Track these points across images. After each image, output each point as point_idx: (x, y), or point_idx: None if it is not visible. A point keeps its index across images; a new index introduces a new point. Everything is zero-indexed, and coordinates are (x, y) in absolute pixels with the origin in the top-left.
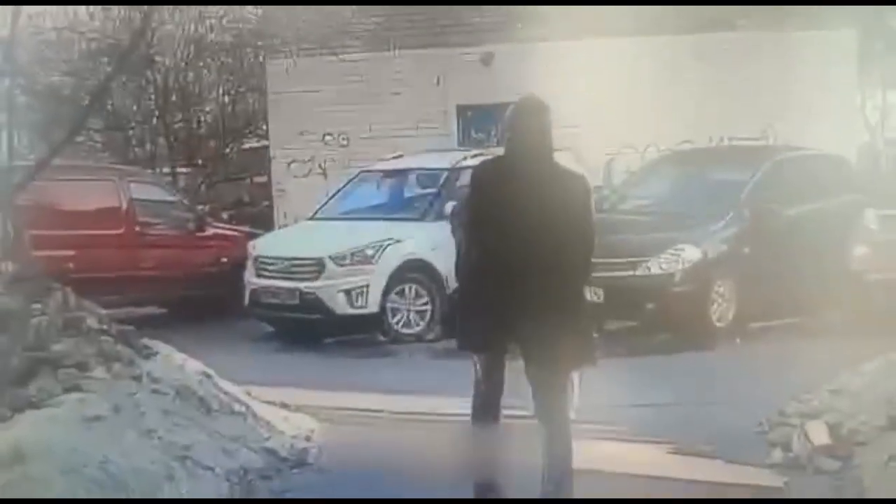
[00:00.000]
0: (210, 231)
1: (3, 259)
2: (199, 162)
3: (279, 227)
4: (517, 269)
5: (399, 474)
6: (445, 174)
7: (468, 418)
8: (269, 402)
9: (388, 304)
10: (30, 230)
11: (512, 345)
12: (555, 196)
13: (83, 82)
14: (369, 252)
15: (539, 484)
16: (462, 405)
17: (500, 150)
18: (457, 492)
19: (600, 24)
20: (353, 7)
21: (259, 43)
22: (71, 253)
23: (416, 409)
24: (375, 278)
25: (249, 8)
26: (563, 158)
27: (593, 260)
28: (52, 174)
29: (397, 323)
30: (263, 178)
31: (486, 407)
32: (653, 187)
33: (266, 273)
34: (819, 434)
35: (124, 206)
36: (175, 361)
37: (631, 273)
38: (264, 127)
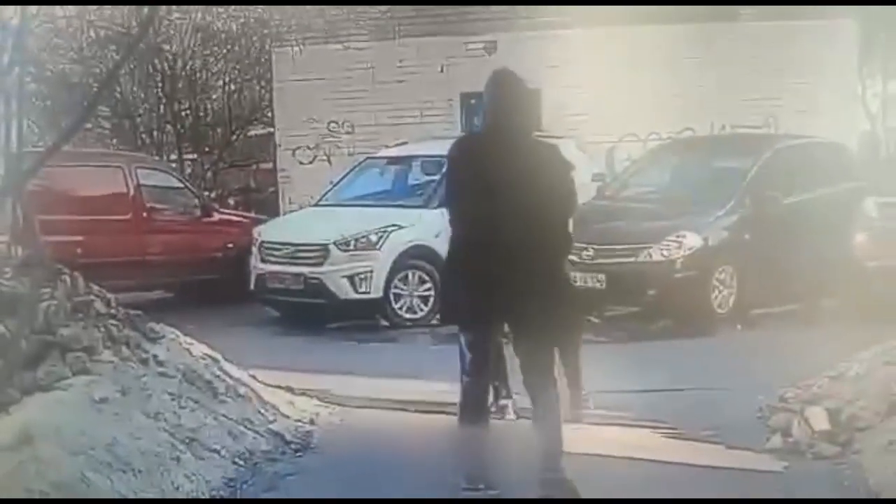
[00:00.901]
0: (216, 217)
1: (12, 244)
2: (206, 149)
3: (284, 214)
4: (496, 243)
5: (400, 458)
6: None
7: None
8: (273, 386)
9: (392, 290)
10: (39, 215)
11: (498, 320)
12: (529, 168)
13: (92, 70)
14: (373, 238)
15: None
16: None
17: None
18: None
19: (603, 14)
20: None
21: (265, 31)
22: (79, 238)
23: (418, 393)
24: (379, 264)
25: None
26: (565, 146)
27: (596, 246)
28: (61, 160)
29: (400, 308)
30: (269, 165)
31: (474, 390)
32: (655, 175)
33: (271, 258)
34: (819, 420)
35: (132, 192)
36: (181, 345)
37: (633, 259)
38: (270, 114)
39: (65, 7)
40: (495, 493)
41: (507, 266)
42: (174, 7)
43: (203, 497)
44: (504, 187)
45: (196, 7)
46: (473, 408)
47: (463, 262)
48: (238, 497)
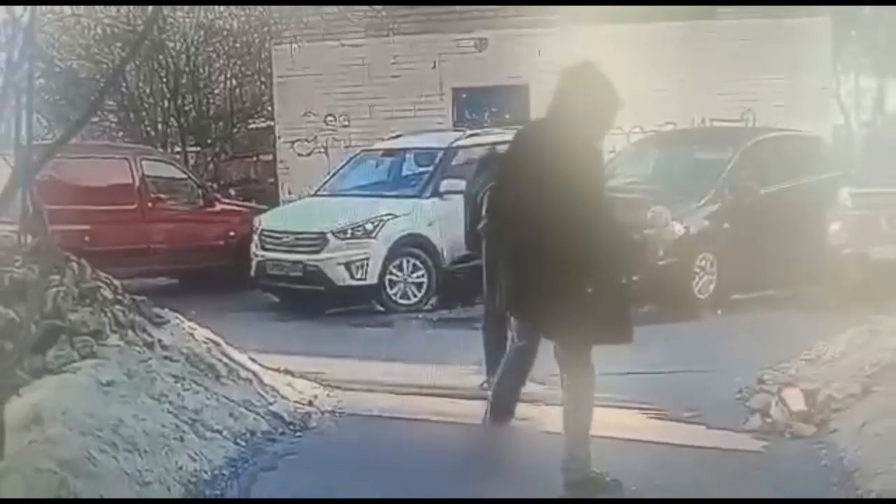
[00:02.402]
0: (218, 206)
1: (22, 232)
2: (209, 141)
3: (284, 203)
4: (555, 233)
5: (395, 439)
6: (441, 153)
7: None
8: (273, 369)
9: (387, 277)
10: (48, 205)
11: (549, 311)
12: (580, 169)
13: (99, 66)
14: (369, 227)
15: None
16: (456, 372)
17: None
18: (455, 482)
19: (588, 13)
20: None
21: (265, 29)
22: (87, 227)
23: (413, 375)
24: (375, 252)
25: None
26: None
27: None
28: (69, 152)
29: (395, 294)
30: (269, 157)
31: (515, 368)
32: (638, 167)
33: (271, 246)
34: (796, 401)
35: (137, 182)
36: (185, 330)
37: None
38: (270, 108)
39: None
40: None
41: (560, 264)
42: (178, 6)
43: (206, 479)
44: (561, 184)
45: (199, 6)
46: (509, 391)
47: (517, 249)
48: (234, 486)
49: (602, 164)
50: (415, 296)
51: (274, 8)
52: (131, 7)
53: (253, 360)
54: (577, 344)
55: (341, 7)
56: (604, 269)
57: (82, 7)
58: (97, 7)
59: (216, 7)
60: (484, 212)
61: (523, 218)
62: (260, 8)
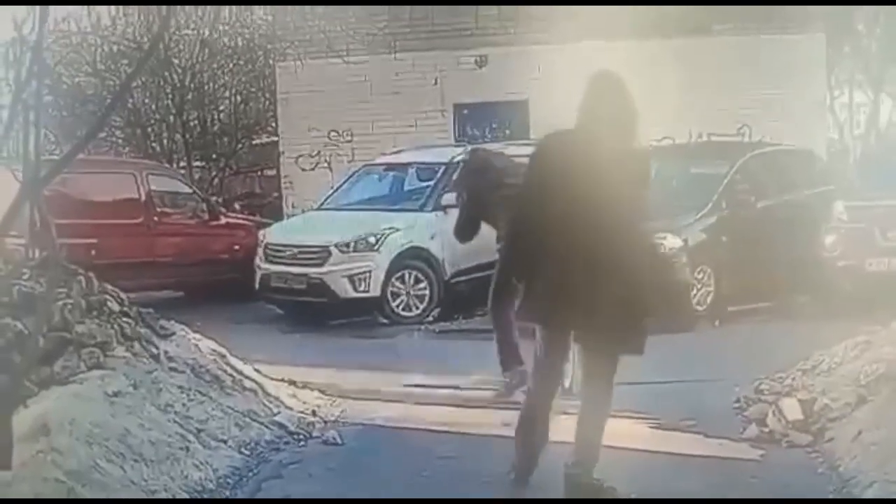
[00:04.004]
0: (223, 220)
1: (30, 246)
2: (214, 156)
3: (288, 217)
4: (584, 247)
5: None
6: (443, 168)
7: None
8: (277, 380)
9: (389, 289)
10: (55, 219)
11: (580, 324)
12: (621, 174)
13: (105, 82)
14: (372, 240)
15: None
16: (456, 382)
17: (493, 146)
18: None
19: (586, 30)
20: (357, 12)
21: (269, 46)
22: (94, 241)
23: (415, 385)
24: (377, 265)
25: (260, 13)
26: None
27: None
28: (76, 167)
29: (398, 306)
30: (273, 172)
31: (545, 387)
32: None
33: (275, 259)
34: (792, 410)
35: (143, 197)
36: (190, 341)
37: None
38: (274, 124)
39: (80, 23)
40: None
41: (594, 271)
42: (183, 23)
43: (211, 487)
44: (597, 192)
45: (204, 23)
46: (541, 407)
47: (548, 260)
48: (239, 495)
49: (648, 167)
50: (417, 308)
51: (278, 25)
52: (137, 25)
53: (257, 370)
54: (611, 353)
55: (344, 24)
56: (642, 276)
57: (89, 25)
58: (104, 25)
59: (221, 24)
60: (500, 220)
61: (559, 226)
62: (264, 25)
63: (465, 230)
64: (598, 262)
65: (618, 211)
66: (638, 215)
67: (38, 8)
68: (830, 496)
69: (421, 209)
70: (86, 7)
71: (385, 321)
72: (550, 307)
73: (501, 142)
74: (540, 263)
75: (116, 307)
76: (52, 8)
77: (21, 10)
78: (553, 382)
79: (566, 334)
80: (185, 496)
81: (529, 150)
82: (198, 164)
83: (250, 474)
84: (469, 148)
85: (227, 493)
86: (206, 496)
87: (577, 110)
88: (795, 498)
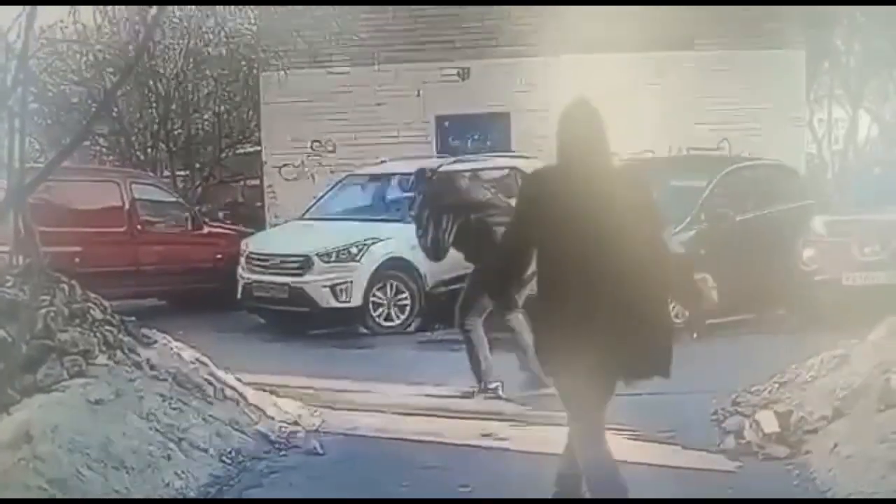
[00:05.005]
0: (206, 229)
1: (14, 253)
2: (197, 165)
3: (270, 227)
4: (589, 282)
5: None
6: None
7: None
8: (259, 389)
9: (371, 299)
10: (39, 227)
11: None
12: (617, 198)
13: (90, 91)
14: (353, 250)
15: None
16: (436, 391)
17: (474, 157)
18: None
19: (568, 43)
20: (341, 23)
21: (253, 56)
22: (77, 249)
23: (396, 395)
24: (359, 275)
25: (244, 23)
26: (532, 166)
27: None
28: (60, 175)
29: (379, 316)
30: (256, 181)
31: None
32: None
33: (258, 269)
34: (769, 423)
35: (127, 205)
36: (172, 350)
37: None
38: (257, 134)
39: (65, 31)
40: None
41: (613, 307)
42: (167, 33)
43: (192, 496)
44: (595, 222)
45: (188, 33)
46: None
47: (559, 310)
48: (226, 496)
49: (650, 195)
50: (398, 318)
51: (262, 35)
52: (122, 34)
53: (239, 379)
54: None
55: (327, 35)
56: (659, 292)
57: (75, 34)
58: (89, 34)
59: (206, 34)
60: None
61: (567, 267)
62: (248, 35)
63: (434, 250)
64: (613, 297)
65: (624, 237)
66: (649, 231)
67: (24, 15)
68: None
69: (403, 219)
70: (71, 15)
71: (366, 331)
72: (577, 362)
73: (482, 153)
74: (550, 313)
75: (99, 315)
76: (37, 15)
77: (6, 19)
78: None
79: (598, 390)
80: None
81: (502, 162)
82: (181, 173)
83: (231, 483)
84: (417, 169)
85: None
86: None
87: (558, 144)
88: (795, 498)
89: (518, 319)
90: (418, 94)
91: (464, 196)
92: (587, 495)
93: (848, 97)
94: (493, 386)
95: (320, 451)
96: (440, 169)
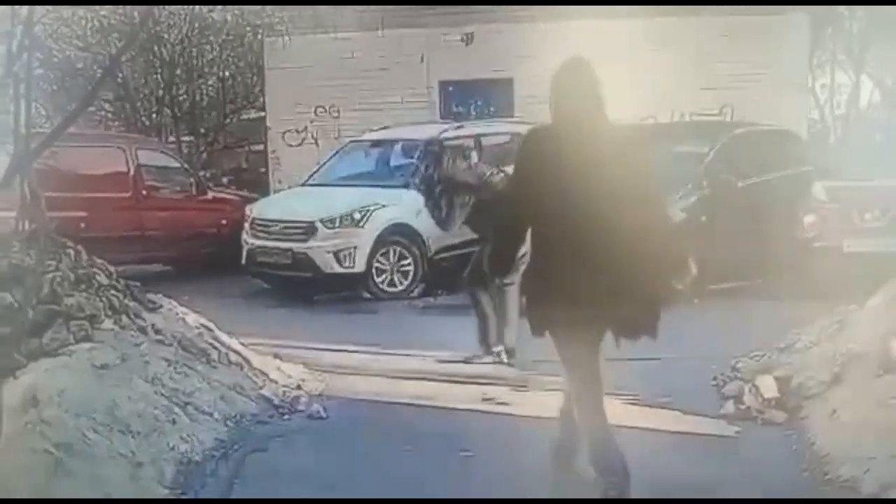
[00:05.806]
0: (211, 195)
1: (20, 219)
2: (202, 131)
3: (274, 192)
4: (583, 241)
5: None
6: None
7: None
8: (263, 353)
9: (374, 265)
10: (45, 192)
11: (599, 327)
12: (615, 157)
13: (95, 57)
14: (357, 216)
15: None
16: (439, 356)
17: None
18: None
19: (572, 9)
20: None
21: (258, 22)
22: (83, 214)
23: (398, 360)
24: (362, 240)
25: None
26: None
27: None
28: (66, 141)
29: (382, 282)
30: (260, 147)
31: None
32: None
33: (262, 234)
34: (768, 388)
35: (132, 171)
36: (177, 315)
37: None
38: (262, 100)
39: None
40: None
41: (606, 265)
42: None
43: (197, 460)
44: (592, 181)
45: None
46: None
47: (553, 266)
48: (224, 467)
49: (645, 156)
50: (401, 283)
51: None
52: None
53: (243, 344)
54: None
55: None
56: (653, 254)
57: None
58: None
59: None
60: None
61: (560, 227)
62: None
63: (446, 223)
64: (606, 256)
65: (619, 197)
66: (644, 194)
67: None
68: (804, 474)
69: (406, 185)
70: None
71: (369, 296)
72: (568, 315)
73: (484, 119)
74: (544, 270)
75: (105, 280)
76: None
77: None
78: (599, 399)
79: (590, 344)
80: (172, 468)
81: (505, 127)
82: (186, 138)
83: (235, 447)
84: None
85: (212, 466)
86: (192, 468)
87: (552, 102)
88: (795, 498)
89: (512, 291)
90: (422, 60)
91: (479, 177)
92: (583, 463)
93: (851, 62)
94: (496, 349)
95: (323, 415)
96: (443, 136)
